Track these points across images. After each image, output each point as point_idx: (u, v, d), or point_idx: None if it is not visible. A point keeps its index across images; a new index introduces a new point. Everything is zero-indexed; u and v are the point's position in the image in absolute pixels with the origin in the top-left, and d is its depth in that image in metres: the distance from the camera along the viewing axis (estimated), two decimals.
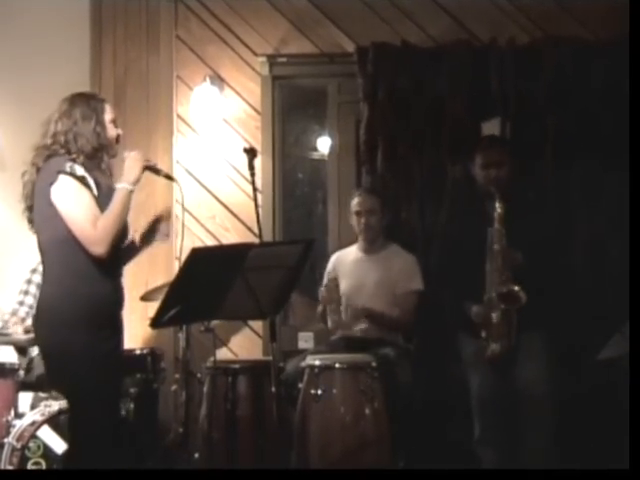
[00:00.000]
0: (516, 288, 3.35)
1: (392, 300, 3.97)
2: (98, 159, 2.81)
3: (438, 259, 3.72)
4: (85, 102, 2.84)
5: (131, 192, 2.78)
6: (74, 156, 2.78)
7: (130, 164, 2.82)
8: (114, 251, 2.77)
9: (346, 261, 4.11)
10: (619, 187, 4.24)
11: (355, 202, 4.07)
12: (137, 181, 2.81)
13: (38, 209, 2.78)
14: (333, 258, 4.17)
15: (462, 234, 3.55)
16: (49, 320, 2.75)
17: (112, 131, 2.87)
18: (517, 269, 3.40)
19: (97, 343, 2.71)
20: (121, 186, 2.78)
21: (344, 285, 4.04)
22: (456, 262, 3.52)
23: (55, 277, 2.78)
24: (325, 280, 4.01)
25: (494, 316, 3.43)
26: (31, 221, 2.82)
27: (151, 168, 2.91)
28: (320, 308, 4.03)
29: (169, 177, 3.01)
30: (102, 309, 2.75)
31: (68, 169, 2.74)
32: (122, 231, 2.80)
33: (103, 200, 2.77)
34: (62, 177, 2.73)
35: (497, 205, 3.43)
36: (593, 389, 3.96)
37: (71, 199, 2.73)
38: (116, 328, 2.81)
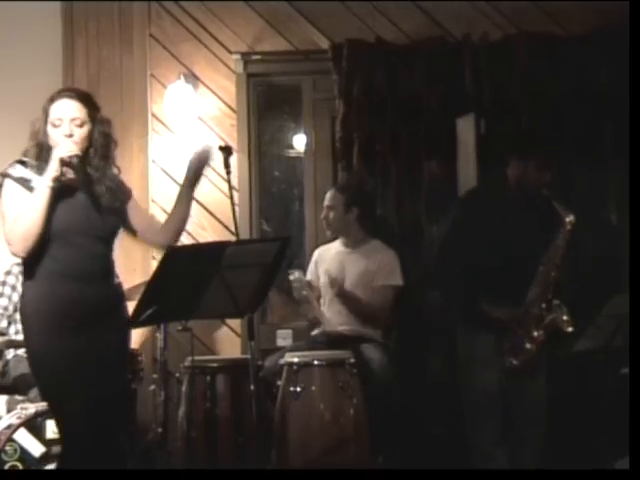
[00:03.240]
0: (566, 317, 3.27)
1: (370, 294, 3.99)
2: (43, 160, 2.72)
3: (451, 253, 3.44)
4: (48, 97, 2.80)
5: (49, 188, 2.66)
6: (28, 155, 2.75)
7: (52, 158, 2.71)
8: (79, 250, 2.71)
9: (327, 255, 4.13)
10: (592, 182, 4.28)
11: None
12: (55, 177, 2.67)
13: None
14: (315, 254, 4.18)
15: (488, 233, 3.35)
16: (20, 318, 2.80)
17: (52, 131, 2.73)
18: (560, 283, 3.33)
19: (54, 342, 2.69)
20: (38, 183, 2.69)
21: (324, 278, 4.06)
22: (474, 260, 3.34)
23: (24, 276, 2.80)
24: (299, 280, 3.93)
25: (539, 332, 3.31)
26: None
27: (67, 164, 2.69)
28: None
29: (83, 172, 2.75)
30: (59, 309, 2.70)
31: (8, 171, 2.72)
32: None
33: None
34: (5, 180, 2.73)
35: (566, 216, 3.29)
36: (567, 382, 3.99)
37: (6, 201, 2.72)
38: (79, 328, 2.72)
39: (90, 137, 2.76)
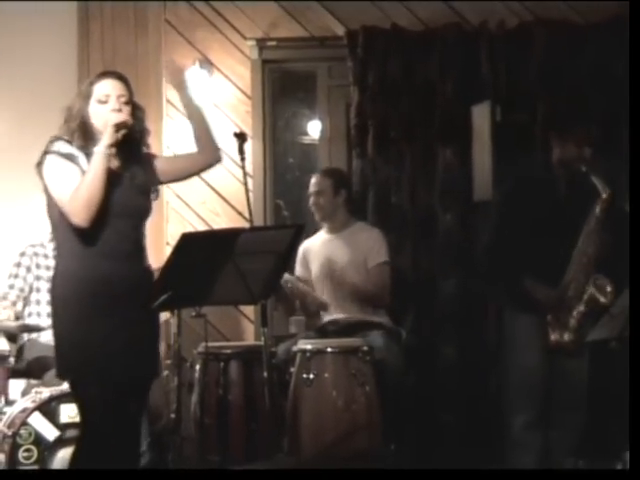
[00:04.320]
0: (609, 288, 3.24)
1: (364, 275, 3.97)
2: (91, 141, 2.73)
3: (496, 232, 3.45)
4: (86, 80, 2.83)
5: (105, 155, 2.68)
6: (71, 136, 2.76)
7: (107, 126, 2.74)
8: (113, 230, 2.72)
9: (314, 246, 4.11)
10: (607, 170, 4.25)
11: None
12: (111, 144, 2.70)
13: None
14: (301, 249, 4.11)
15: (528, 211, 3.34)
16: (50, 293, 2.82)
17: (98, 108, 2.76)
18: (602, 259, 3.30)
19: (82, 320, 2.70)
20: (94, 151, 2.70)
21: (315, 268, 4.06)
22: (517, 239, 3.32)
23: (56, 256, 2.84)
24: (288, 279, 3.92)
25: (580, 307, 3.29)
26: None
27: (122, 128, 2.72)
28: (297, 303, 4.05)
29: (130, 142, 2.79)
30: (91, 290, 2.71)
31: (53, 148, 2.72)
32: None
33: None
34: (47, 157, 2.73)
35: (604, 192, 3.27)
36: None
37: (54, 177, 2.71)
38: (110, 309, 2.72)
39: (131, 117, 2.79)
